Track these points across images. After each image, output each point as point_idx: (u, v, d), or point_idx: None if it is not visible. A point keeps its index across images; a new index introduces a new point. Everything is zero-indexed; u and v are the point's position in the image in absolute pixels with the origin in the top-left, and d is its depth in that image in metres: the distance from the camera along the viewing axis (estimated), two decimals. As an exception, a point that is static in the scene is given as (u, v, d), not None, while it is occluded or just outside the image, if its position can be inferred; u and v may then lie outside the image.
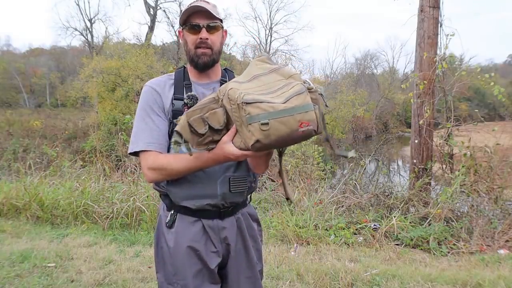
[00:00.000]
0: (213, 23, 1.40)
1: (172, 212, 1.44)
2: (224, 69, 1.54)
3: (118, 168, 6.08)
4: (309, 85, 1.19)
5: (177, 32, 1.46)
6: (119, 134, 6.86)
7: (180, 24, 1.44)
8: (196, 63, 1.42)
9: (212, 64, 1.44)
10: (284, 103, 1.09)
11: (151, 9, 25.46)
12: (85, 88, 19.87)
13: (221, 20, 1.43)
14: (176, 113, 1.37)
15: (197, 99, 1.36)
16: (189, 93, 1.38)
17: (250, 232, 1.55)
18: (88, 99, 21.64)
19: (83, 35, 30.25)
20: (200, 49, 1.40)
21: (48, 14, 75.36)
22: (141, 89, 1.48)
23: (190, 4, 1.40)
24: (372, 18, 70.83)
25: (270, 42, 30.92)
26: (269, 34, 30.87)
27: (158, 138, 1.37)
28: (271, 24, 30.84)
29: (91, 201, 4.62)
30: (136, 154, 1.41)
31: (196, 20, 1.38)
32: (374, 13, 69.70)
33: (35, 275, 3.10)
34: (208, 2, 1.41)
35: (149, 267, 3.29)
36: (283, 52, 29.27)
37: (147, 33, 24.87)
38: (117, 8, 71.87)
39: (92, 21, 29.77)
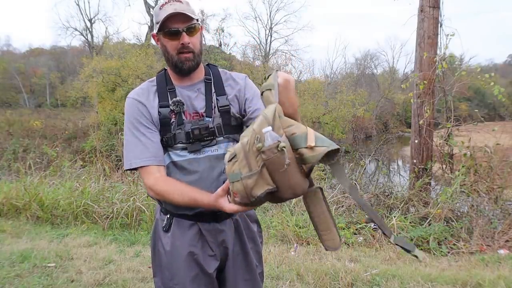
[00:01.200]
0: (192, 24, 1.32)
1: (168, 216, 1.42)
2: (207, 64, 1.49)
3: (118, 168, 6.08)
4: (258, 144, 0.96)
5: (152, 36, 1.41)
6: (119, 134, 6.88)
7: (155, 29, 1.35)
8: (180, 69, 1.36)
9: (196, 67, 1.39)
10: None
11: (151, 9, 25.45)
12: (85, 88, 19.85)
13: (197, 19, 1.35)
14: (163, 122, 1.34)
15: (183, 104, 1.35)
16: (174, 99, 1.35)
17: (249, 234, 1.51)
18: (88, 99, 21.62)
19: (83, 35, 30.28)
20: (183, 55, 1.33)
21: (48, 14, 75.27)
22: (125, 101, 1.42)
23: (162, 6, 1.31)
24: (372, 18, 70.81)
25: (270, 42, 30.91)
26: (269, 34, 30.86)
27: (154, 152, 1.34)
28: (271, 24, 30.83)
29: (91, 201, 4.62)
30: (134, 169, 1.37)
31: (174, 24, 1.30)
32: (374, 13, 69.69)
33: (35, 275, 3.10)
34: (181, 1, 1.32)
35: (149, 267, 3.29)
36: (283, 52, 29.25)
37: (147, 33, 24.89)
38: (117, 8, 71.89)
39: (92, 21, 29.79)
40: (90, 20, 29.66)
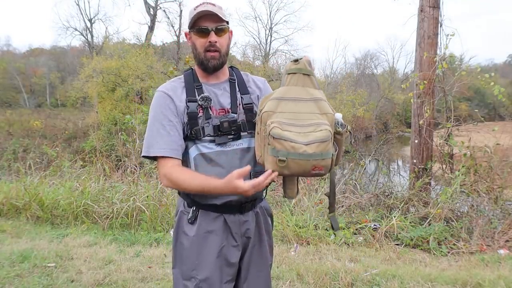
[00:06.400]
0: (221, 25, 1.42)
1: (194, 208, 1.47)
2: (230, 67, 1.58)
3: (118, 168, 6.07)
4: (339, 128, 1.31)
5: (184, 34, 1.62)
6: (119, 134, 6.87)
7: (188, 27, 1.46)
8: (206, 66, 1.45)
9: (221, 66, 1.47)
10: (306, 145, 1.20)
11: (151, 9, 25.43)
12: (85, 88, 19.87)
13: (227, 22, 1.45)
14: (191, 115, 1.42)
15: (211, 100, 1.44)
16: (202, 95, 1.43)
17: (266, 227, 1.60)
18: (88, 99, 21.63)
19: (83, 35, 30.31)
20: (209, 53, 1.42)
21: (48, 14, 75.33)
22: (150, 93, 1.50)
23: (196, 7, 1.42)
24: (372, 18, 70.84)
25: (270, 42, 30.93)
26: (269, 34, 30.88)
27: (171, 144, 1.40)
28: (271, 24, 30.84)
29: (91, 201, 4.62)
30: (151, 158, 1.44)
31: (205, 23, 1.40)
32: (374, 13, 69.72)
33: (35, 275, 3.10)
34: (214, 5, 1.43)
35: (149, 267, 3.29)
36: (283, 52, 29.25)
37: (147, 33, 24.85)
38: (117, 8, 71.81)
39: (92, 21, 29.82)
40: (90, 20, 29.70)
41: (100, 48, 26.80)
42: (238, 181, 1.24)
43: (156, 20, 25.50)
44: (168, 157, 1.40)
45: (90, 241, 3.95)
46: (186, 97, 1.44)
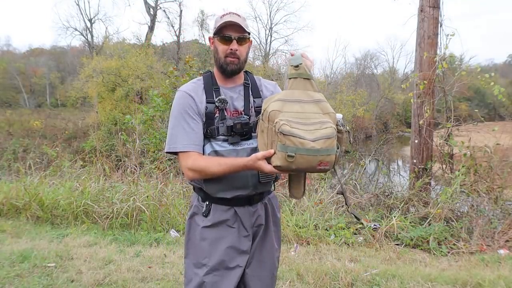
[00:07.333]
0: (243, 36, 1.55)
1: (207, 202, 1.59)
2: (244, 71, 1.68)
3: (118, 168, 6.07)
4: (340, 127, 1.39)
5: (208, 39, 1.76)
6: (119, 134, 6.87)
7: (213, 33, 1.58)
8: (224, 70, 1.57)
9: (238, 71, 1.60)
10: (313, 141, 1.26)
11: (151, 9, 25.43)
12: (85, 88, 19.88)
13: (249, 33, 1.57)
14: (209, 115, 1.54)
15: (227, 103, 1.56)
16: (219, 97, 1.55)
17: (274, 219, 1.71)
18: (88, 99, 21.63)
19: (83, 35, 30.31)
20: (229, 58, 1.54)
21: (48, 14, 75.38)
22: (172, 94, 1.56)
23: (223, 16, 1.55)
24: (372, 18, 70.87)
25: (270, 42, 30.95)
26: (269, 34, 30.90)
27: (194, 140, 1.52)
28: (271, 24, 30.88)
29: (91, 201, 4.62)
30: (173, 153, 1.56)
31: (229, 32, 1.53)
32: (374, 13, 69.73)
33: (35, 275, 3.10)
34: (239, 16, 1.56)
35: (149, 267, 3.29)
36: (283, 52, 29.26)
37: (147, 33, 24.86)
38: (117, 8, 71.73)
39: (92, 21, 29.82)
40: (90, 20, 29.70)
41: (100, 48, 26.80)
42: (262, 162, 1.35)
43: (156, 20, 25.54)
44: (191, 151, 1.51)
45: (90, 241, 3.95)
46: (206, 98, 1.56)
